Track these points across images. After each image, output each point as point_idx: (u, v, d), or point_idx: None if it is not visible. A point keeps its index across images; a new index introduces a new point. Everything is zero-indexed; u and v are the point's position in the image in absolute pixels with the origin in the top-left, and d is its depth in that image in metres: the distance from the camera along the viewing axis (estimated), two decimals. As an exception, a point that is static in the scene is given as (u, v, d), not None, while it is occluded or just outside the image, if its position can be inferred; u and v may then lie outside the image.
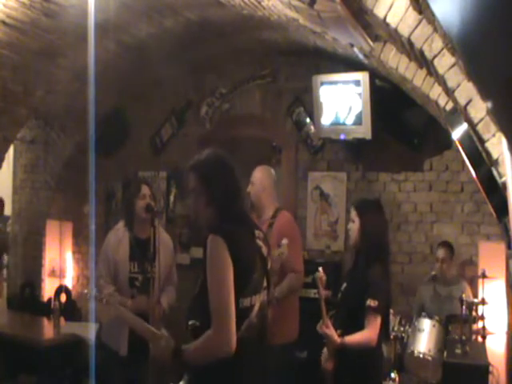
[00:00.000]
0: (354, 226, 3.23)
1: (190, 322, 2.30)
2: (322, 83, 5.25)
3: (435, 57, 2.75)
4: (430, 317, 4.30)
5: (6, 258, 6.36)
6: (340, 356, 3.14)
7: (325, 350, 3.27)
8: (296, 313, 4.27)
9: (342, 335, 3.09)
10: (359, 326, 3.07)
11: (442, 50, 2.71)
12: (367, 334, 3.05)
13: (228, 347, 2.19)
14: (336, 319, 3.22)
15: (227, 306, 2.20)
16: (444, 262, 4.84)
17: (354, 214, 3.24)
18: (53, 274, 6.60)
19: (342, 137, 5.25)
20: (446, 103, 3.30)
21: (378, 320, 3.06)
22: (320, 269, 3.33)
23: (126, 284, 3.94)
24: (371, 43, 3.60)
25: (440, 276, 4.86)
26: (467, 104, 2.59)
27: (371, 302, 3.03)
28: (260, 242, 2.45)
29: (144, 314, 3.64)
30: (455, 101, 2.73)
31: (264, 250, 2.46)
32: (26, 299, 6.03)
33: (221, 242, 2.24)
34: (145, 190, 4.03)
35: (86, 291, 2.69)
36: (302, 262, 4.27)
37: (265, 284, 2.43)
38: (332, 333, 3.09)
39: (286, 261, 4.02)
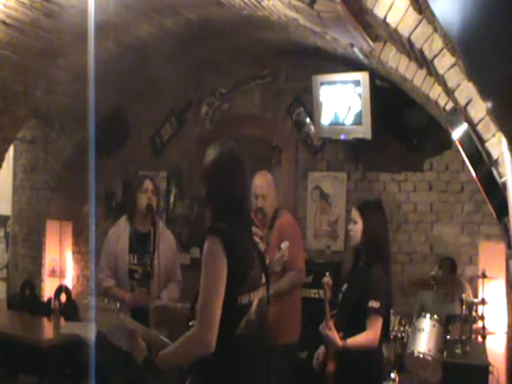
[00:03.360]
0: (357, 227, 3.21)
1: (191, 323, 2.31)
2: (322, 83, 5.25)
3: (435, 57, 2.75)
4: (430, 317, 4.30)
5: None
6: (340, 356, 3.14)
7: (321, 348, 3.27)
8: (298, 313, 4.28)
9: (343, 337, 3.08)
10: (361, 327, 3.06)
11: (442, 50, 2.71)
12: (369, 336, 3.05)
13: (208, 345, 2.18)
14: (337, 320, 3.22)
15: (212, 306, 2.20)
16: (447, 282, 4.80)
17: (356, 214, 3.22)
18: (53, 273, 6.60)
19: (342, 137, 5.25)
20: (446, 103, 3.30)
21: (380, 321, 3.06)
22: (327, 274, 3.33)
23: (125, 276, 3.96)
24: (371, 43, 3.60)
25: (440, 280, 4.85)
26: (467, 104, 2.59)
27: (373, 303, 3.03)
28: (257, 239, 2.47)
29: (143, 308, 3.71)
30: (455, 101, 2.73)
31: (261, 246, 2.47)
32: (26, 299, 6.03)
33: (216, 243, 2.25)
34: (147, 184, 4.06)
35: (86, 301, 2.72)
36: (303, 260, 4.29)
37: (263, 280, 2.44)
38: (334, 335, 3.08)
39: (286, 261, 4.03)
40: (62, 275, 6.62)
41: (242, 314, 2.30)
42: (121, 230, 4.07)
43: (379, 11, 2.85)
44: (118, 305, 3.67)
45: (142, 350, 2.34)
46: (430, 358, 4.13)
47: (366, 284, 3.09)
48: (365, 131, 5.06)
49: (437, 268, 4.87)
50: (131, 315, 3.45)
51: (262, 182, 4.18)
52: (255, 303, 2.35)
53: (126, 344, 3.82)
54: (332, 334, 3.09)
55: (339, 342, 3.06)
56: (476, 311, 4.32)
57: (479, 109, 2.51)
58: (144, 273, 3.95)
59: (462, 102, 2.62)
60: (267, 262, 2.50)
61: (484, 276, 4.45)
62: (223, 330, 2.21)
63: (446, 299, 4.78)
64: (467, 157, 3.04)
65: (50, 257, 6.61)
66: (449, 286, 4.83)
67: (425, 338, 4.21)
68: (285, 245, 3.88)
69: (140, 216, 4.04)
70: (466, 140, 2.92)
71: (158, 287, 3.93)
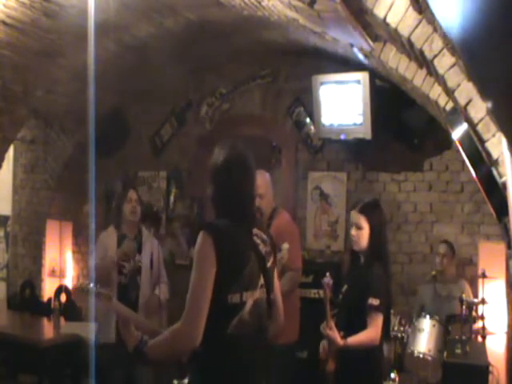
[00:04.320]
0: (364, 232, 3.17)
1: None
2: (322, 83, 5.25)
3: (435, 57, 2.76)
4: (430, 317, 4.30)
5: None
6: (341, 356, 3.14)
7: (323, 342, 3.26)
8: (297, 313, 4.28)
9: (344, 337, 3.08)
10: (361, 326, 3.06)
11: (442, 49, 2.71)
12: (370, 334, 3.05)
13: (192, 340, 2.19)
14: (338, 319, 3.21)
15: (198, 301, 2.21)
16: (445, 257, 4.85)
17: (362, 219, 3.18)
18: (53, 273, 6.60)
19: (342, 137, 5.25)
20: (446, 103, 3.31)
21: (380, 319, 3.05)
22: (327, 274, 3.31)
23: (113, 271, 4.19)
24: (371, 43, 3.60)
25: (440, 274, 4.86)
26: (467, 104, 2.59)
27: (373, 301, 3.03)
28: (257, 240, 2.45)
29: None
30: (455, 101, 2.74)
31: (262, 247, 2.45)
32: (26, 299, 6.03)
33: (206, 239, 2.27)
34: (132, 194, 4.36)
35: (80, 285, 2.73)
36: (300, 259, 4.30)
37: (261, 282, 2.43)
38: (335, 335, 3.08)
39: (285, 262, 4.03)
40: (62, 275, 6.62)
41: (232, 312, 2.30)
42: (109, 234, 4.38)
43: (379, 11, 2.85)
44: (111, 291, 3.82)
45: (134, 338, 2.34)
46: (429, 358, 4.13)
47: (366, 283, 3.10)
48: (365, 131, 5.06)
49: (441, 247, 4.90)
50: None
51: (259, 182, 4.19)
52: (249, 304, 2.34)
53: (119, 331, 3.98)
54: (333, 333, 3.08)
55: (340, 342, 3.06)
56: (476, 311, 4.32)
57: (479, 109, 2.51)
58: (132, 268, 4.24)
59: (462, 102, 2.62)
60: (268, 264, 2.48)
61: (484, 276, 4.45)
62: (213, 328, 2.22)
63: (445, 299, 4.78)
64: (467, 157, 3.04)
65: (49, 257, 6.60)
66: (448, 275, 4.85)
67: (425, 338, 4.21)
68: (284, 246, 3.89)
69: (126, 223, 4.35)
70: (466, 140, 2.93)
71: (151, 282, 4.27)
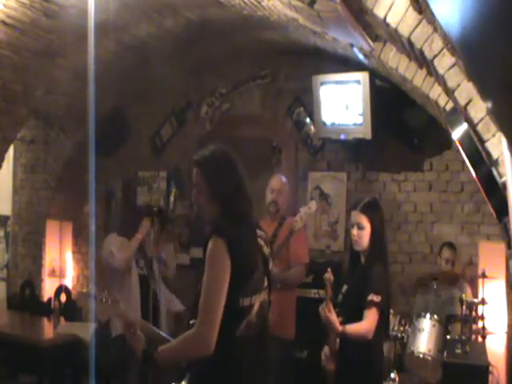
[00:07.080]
0: (365, 232, 3.18)
1: (191, 322, 2.30)
2: (322, 83, 5.25)
3: (435, 57, 2.75)
4: (430, 317, 4.30)
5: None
6: (341, 356, 3.14)
7: (326, 347, 3.26)
8: (292, 309, 4.34)
9: (343, 323, 3.08)
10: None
11: (442, 50, 2.71)
12: (366, 325, 3.04)
13: (207, 346, 2.17)
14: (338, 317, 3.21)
15: (213, 307, 2.20)
16: (449, 262, 4.83)
17: (363, 219, 3.18)
18: (53, 273, 6.60)
19: (342, 137, 5.25)
20: (446, 103, 3.30)
21: (377, 314, 3.05)
22: (329, 269, 3.31)
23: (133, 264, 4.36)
24: (371, 43, 3.60)
25: (442, 277, 4.85)
26: (467, 104, 2.59)
27: (374, 297, 3.03)
28: (261, 242, 2.45)
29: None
30: (455, 101, 2.73)
31: (265, 249, 2.45)
32: (26, 299, 6.03)
33: (220, 244, 2.24)
34: (146, 222, 4.39)
35: (84, 290, 2.72)
36: (307, 256, 4.45)
37: (265, 284, 2.43)
38: (334, 318, 3.07)
39: (293, 252, 4.26)
40: (62, 275, 6.62)
41: (242, 316, 2.29)
42: (115, 235, 4.49)
43: (379, 11, 2.85)
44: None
45: (141, 342, 2.33)
46: (429, 358, 4.13)
47: (367, 283, 3.09)
48: (365, 131, 5.06)
49: (445, 252, 4.87)
50: None
51: (277, 180, 4.49)
52: (256, 306, 2.34)
53: (114, 326, 4.05)
54: (332, 316, 3.07)
55: (338, 327, 3.06)
56: (476, 311, 4.32)
57: (479, 109, 2.51)
58: (147, 262, 4.42)
59: (462, 102, 2.62)
60: (270, 265, 2.49)
61: (484, 276, 4.44)
62: (222, 331, 2.21)
63: (446, 299, 4.78)
64: (467, 157, 3.04)
65: (49, 257, 6.60)
66: (450, 277, 4.84)
67: (425, 338, 4.20)
68: (312, 204, 4.24)
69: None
70: (466, 140, 2.92)
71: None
